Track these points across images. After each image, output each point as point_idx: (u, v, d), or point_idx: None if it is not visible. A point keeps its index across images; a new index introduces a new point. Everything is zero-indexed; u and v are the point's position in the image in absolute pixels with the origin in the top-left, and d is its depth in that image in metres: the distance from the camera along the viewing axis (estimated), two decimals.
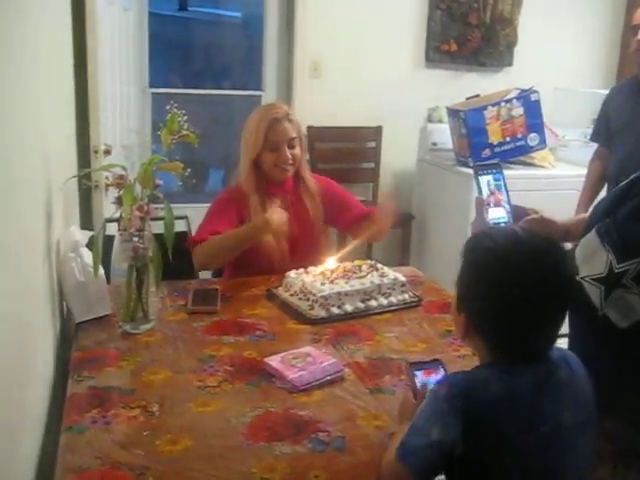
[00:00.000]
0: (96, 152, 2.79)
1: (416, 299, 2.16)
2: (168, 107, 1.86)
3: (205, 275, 2.61)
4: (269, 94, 4.32)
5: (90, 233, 2.13)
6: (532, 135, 3.78)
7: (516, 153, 3.80)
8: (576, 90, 4.29)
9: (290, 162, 2.34)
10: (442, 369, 1.43)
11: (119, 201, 1.80)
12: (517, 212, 1.64)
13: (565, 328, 1.49)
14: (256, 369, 1.67)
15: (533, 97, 3.76)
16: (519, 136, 3.76)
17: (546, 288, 1.16)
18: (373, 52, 4.23)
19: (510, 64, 4.55)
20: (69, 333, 1.94)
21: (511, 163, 3.82)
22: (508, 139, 3.74)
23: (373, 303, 2.07)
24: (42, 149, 1.72)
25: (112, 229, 1.98)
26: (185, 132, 1.86)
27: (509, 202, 1.64)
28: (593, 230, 1.37)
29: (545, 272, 1.16)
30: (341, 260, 2.23)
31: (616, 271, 1.31)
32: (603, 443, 1.39)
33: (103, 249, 1.84)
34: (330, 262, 2.21)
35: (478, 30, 4.44)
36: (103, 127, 2.90)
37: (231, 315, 2.00)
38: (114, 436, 1.38)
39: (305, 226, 2.39)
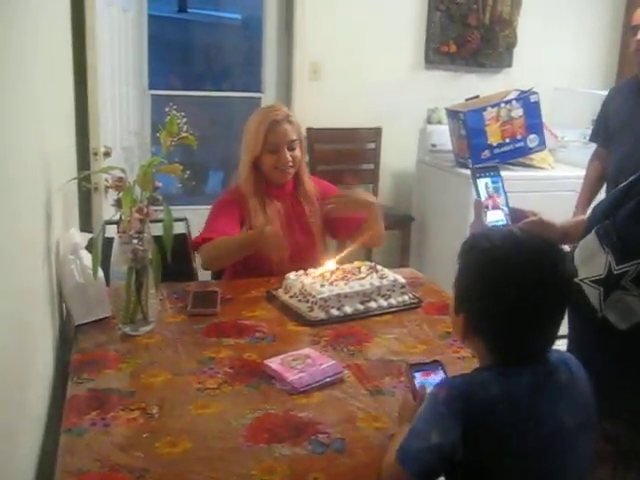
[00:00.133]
0: (96, 154, 2.79)
1: (416, 301, 2.15)
2: (167, 109, 1.86)
3: (205, 277, 2.62)
4: (269, 96, 4.32)
5: (90, 235, 2.13)
6: (531, 136, 3.78)
7: (515, 154, 3.80)
8: (575, 91, 4.29)
9: (290, 164, 2.34)
10: (441, 370, 1.43)
11: (118, 203, 1.80)
12: (515, 214, 1.64)
13: (564, 329, 1.49)
14: (256, 371, 1.67)
15: (532, 98, 3.77)
16: (518, 137, 3.76)
17: (545, 289, 1.16)
18: (372, 53, 4.23)
19: (509, 65, 4.56)
20: (69, 335, 1.94)
21: (510, 164, 3.82)
22: (507, 140, 3.74)
23: (373, 305, 2.07)
24: (41, 150, 1.72)
25: (112, 231, 1.98)
26: (184, 134, 1.86)
27: (507, 204, 1.64)
28: (592, 232, 1.37)
29: (543, 273, 1.16)
30: (340, 262, 2.23)
31: (615, 273, 1.31)
32: (603, 444, 1.39)
33: (103, 251, 1.84)
34: (330, 264, 2.21)
35: (477, 31, 4.44)
36: (103, 129, 2.90)
37: (231, 317, 2.00)
38: (113, 438, 1.38)
39: (304, 229, 2.40)
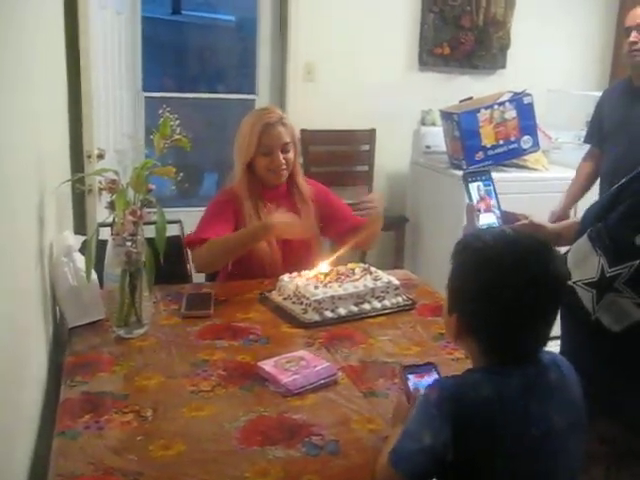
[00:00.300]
0: (89, 156, 2.78)
1: (410, 302, 2.16)
2: (160, 111, 1.86)
3: (199, 279, 2.62)
4: (262, 98, 4.32)
5: (83, 238, 2.13)
6: (525, 138, 3.79)
7: (509, 156, 3.82)
8: (569, 92, 4.31)
9: (283, 167, 2.34)
10: (435, 372, 1.43)
11: (112, 206, 1.80)
12: (507, 217, 1.64)
13: (557, 331, 1.50)
14: (250, 373, 1.67)
15: (526, 100, 3.78)
16: (512, 139, 3.77)
17: (537, 289, 1.16)
18: (366, 55, 4.24)
19: (503, 67, 4.57)
20: (62, 338, 1.94)
21: (504, 166, 3.84)
22: (501, 142, 3.76)
23: (367, 306, 2.07)
24: (35, 152, 1.71)
25: (106, 234, 1.98)
26: (177, 136, 1.86)
27: (499, 208, 1.64)
28: (585, 235, 1.37)
29: (536, 272, 1.16)
30: (334, 264, 2.23)
31: (608, 275, 1.31)
32: (597, 445, 1.40)
33: (96, 254, 1.83)
34: (323, 266, 2.21)
35: (471, 33, 4.45)
36: (96, 131, 2.89)
37: (225, 319, 2.00)
38: (107, 441, 1.38)
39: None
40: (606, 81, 4.66)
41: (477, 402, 1.15)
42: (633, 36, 2.90)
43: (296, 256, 2.34)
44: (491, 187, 1.65)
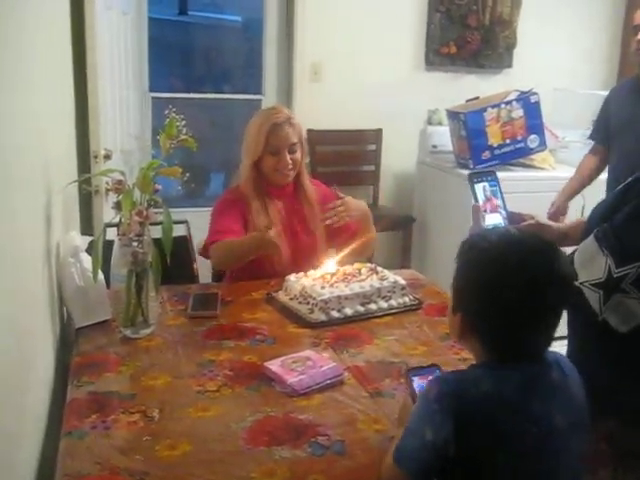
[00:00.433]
0: (96, 157, 2.79)
1: (416, 302, 2.15)
2: (167, 112, 1.86)
3: (206, 279, 2.62)
4: (269, 98, 4.32)
5: (90, 238, 2.13)
6: (532, 137, 3.78)
7: (516, 155, 3.81)
8: (576, 91, 4.29)
9: (290, 167, 2.34)
10: (439, 374, 1.43)
11: (118, 206, 1.80)
12: (513, 218, 1.64)
13: (564, 331, 1.49)
14: (256, 373, 1.67)
15: (533, 99, 3.77)
16: (519, 138, 3.76)
17: (540, 289, 1.16)
18: (373, 55, 4.24)
19: (510, 66, 4.56)
20: (69, 338, 1.94)
21: (511, 165, 3.83)
22: (508, 141, 3.75)
23: (373, 306, 2.07)
24: (41, 153, 1.72)
25: (112, 234, 1.98)
26: (184, 137, 1.86)
27: (505, 208, 1.64)
28: (591, 235, 1.37)
29: (538, 273, 1.16)
30: (341, 264, 2.23)
31: (615, 276, 1.30)
32: (603, 445, 1.39)
33: (103, 254, 1.84)
34: (330, 266, 2.21)
35: (477, 32, 4.44)
36: (103, 132, 2.90)
37: (231, 319, 2.00)
38: (114, 441, 1.38)
39: (305, 229, 2.40)
40: (613, 80, 4.64)
41: (478, 398, 1.15)
42: None
43: (304, 254, 2.35)
44: (497, 187, 1.64)
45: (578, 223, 1.63)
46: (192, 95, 5.02)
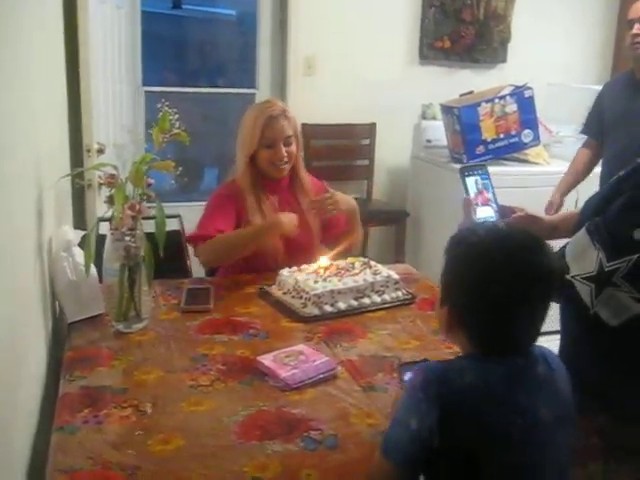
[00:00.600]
0: (89, 151, 2.78)
1: (409, 296, 2.15)
2: (159, 105, 1.86)
3: (199, 274, 2.62)
4: (263, 92, 4.31)
5: (83, 232, 2.12)
6: (526, 131, 3.78)
7: (510, 150, 3.81)
8: (570, 86, 4.29)
9: (285, 160, 2.34)
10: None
11: (110, 200, 1.80)
12: (504, 211, 1.64)
13: (556, 325, 1.49)
14: (249, 368, 1.67)
15: (527, 93, 3.77)
16: (513, 133, 3.76)
17: (526, 284, 1.16)
18: (367, 49, 4.23)
19: (504, 60, 4.56)
20: (62, 333, 1.94)
21: (505, 160, 3.83)
22: (502, 136, 3.75)
23: (366, 301, 2.07)
24: (33, 148, 1.71)
25: (105, 228, 1.97)
26: (176, 131, 1.86)
27: (496, 201, 1.64)
28: (583, 228, 1.37)
29: (524, 268, 1.16)
30: (334, 258, 2.23)
31: (606, 269, 1.31)
32: (594, 439, 1.40)
33: (96, 248, 1.83)
34: (323, 260, 2.21)
35: (472, 27, 4.44)
36: (96, 126, 2.89)
37: (224, 314, 2.00)
38: (106, 436, 1.38)
39: (301, 225, 2.39)
40: (607, 74, 4.64)
41: (463, 388, 1.16)
42: (636, 28, 2.89)
43: (298, 246, 2.34)
44: (488, 181, 1.65)
45: (570, 215, 1.63)
46: (185, 89, 5.01)
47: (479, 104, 3.71)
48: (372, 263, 2.22)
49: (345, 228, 2.43)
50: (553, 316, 1.42)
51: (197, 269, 2.68)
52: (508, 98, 3.75)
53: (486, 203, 1.62)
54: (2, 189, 1.28)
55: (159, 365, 1.68)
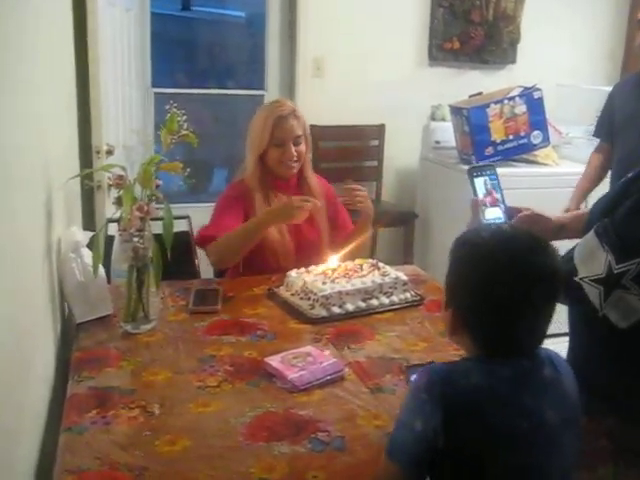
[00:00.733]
0: (98, 152, 2.79)
1: (418, 298, 2.15)
2: (167, 107, 1.86)
3: (207, 275, 2.62)
4: (272, 93, 4.31)
5: (92, 233, 2.13)
6: (535, 133, 3.77)
7: (519, 151, 3.79)
8: (579, 87, 4.27)
9: (295, 159, 2.36)
10: None
11: (119, 201, 1.80)
12: (511, 212, 1.63)
13: (565, 328, 1.49)
14: (256, 369, 1.67)
15: (536, 95, 3.75)
16: (522, 134, 3.75)
17: (529, 285, 1.16)
18: (375, 51, 4.22)
19: (513, 61, 4.54)
20: (70, 333, 1.94)
21: (514, 161, 3.82)
22: (511, 137, 3.73)
23: (374, 302, 2.07)
24: (41, 149, 1.71)
25: (114, 229, 1.98)
26: (185, 132, 1.86)
27: (504, 202, 1.64)
28: (592, 230, 1.36)
29: (527, 269, 1.16)
30: (343, 259, 2.23)
31: (615, 272, 1.30)
32: (603, 442, 1.39)
33: (105, 249, 1.84)
34: (332, 261, 2.21)
35: (481, 28, 4.43)
36: (105, 127, 2.89)
37: (232, 315, 2.00)
38: (113, 437, 1.38)
39: (309, 224, 2.41)
40: (617, 75, 4.61)
41: (467, 389, 1.15)
42: None
43: (307, 244, 2.36)
44: (496, 182, 1.64)
45: (581, 214, 1.62)
46: (194, 90, 5.00)
47: (488, 105, 3.70)
48: (380, 264, 2.21)
49: (352, 232, 2.44)
50: (562, 318, 1.41)
51: (206, 270, 2.69)
52: (517, 99, 3.74)
53: (495, 204, 1.61)
54: (11, 193, 1.29)
55: (167, 366, 1.68)
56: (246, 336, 1.87)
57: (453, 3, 4.34)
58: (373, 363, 1.74)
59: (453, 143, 3.94)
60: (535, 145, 3.80)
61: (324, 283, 2.05)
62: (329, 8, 4.13)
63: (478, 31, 4.42)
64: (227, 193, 2.44)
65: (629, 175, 1.42)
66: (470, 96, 3.88)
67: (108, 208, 2.71)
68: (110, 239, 1.99)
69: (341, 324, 1.96)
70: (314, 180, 2.48)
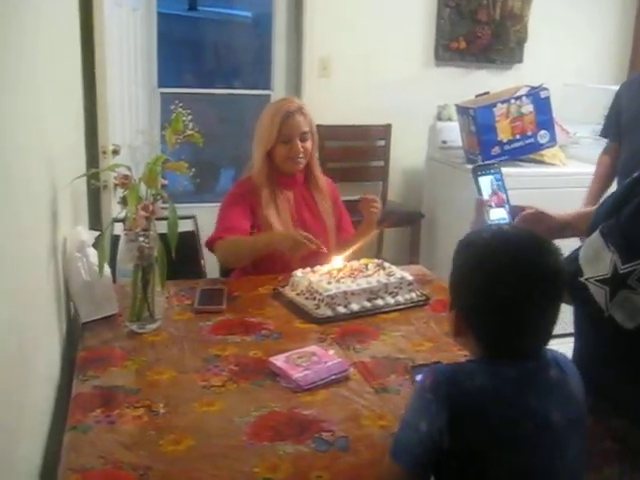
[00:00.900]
0: (104, 152, 2.80)
1: (423, 298, 2.15)
2: (173, 107, 1.86)
3: (213, 275, 2.62)
4: (278, 93, 4.31)
5: (98, 233, 2.14)
6: (542, 132, 3.75)
7: (526, 151, 3.78)
8: (587, 86, 4.26)
9: (301, 155, 2.38)
10: None
11: (124, 201, 1.81)
12: (515, 211, 1.63)
13: (571, 328, 1.48)
14: (261, 368, 1.67)
15: (543, 94, 3.74)
16: (529, 133, 3.73)
17: (531, 285, 1.15)
18: (382, 50, 4.22)
19: (520, 61, 4.53)
20: (76, 332, 1.95)
21: (521, 161, 3.80)
22: (518, 137, 3.72)
23: (380, 302, 2.06)
24: (44, 151, 1.71)
25: (120, 229, 1.98)
26: (190, 132, 1.86)
27: (509, 202, 1.63)
28: (597, 231, 1.35)
29: (528, 269, 1.16)
30: (348, 259, 2.23)
31: (621, 272, 1.29)
32: (610, 443, 1.38)
33: (110, 249, 1.84)
34: (337, 261, 2.20)
35: (488, 27, 4.41)
36: (112, 127, 2.91)
37: (237, 314, 2.00)
38: (118, 436, 1.38)
39: (316, 220, 2.42)
40: (624, 75, 4.59)
41: (472, 390, 1.15)
42: None
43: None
44: (502, 182, 1.63)
45: (585, 213, 1.61)
46: (201, 90, 5.01)
47: (495, 105, 3.69)
48: (386, 264, 2.21)
49: (352, 236, 2.46)
50: (567, 319, 1.40)
51: (211, 270, 2.69)
52: (524, 99, 3.73)
53: (500, 204, 1.60)
54: (12, 192, 1.29)
55: (172, 365, 1.68)
56: (251, 336, 1.87)
57: (460, 3, 4.33)
58: (378, 363, 1.73)
59: (459, 143, 3.93)
60: (542, 145, 3.79)
61: (329, 283, 2.04)
62: (335, 8, 4.13)
63: (485, 30, 4.41)
64: (234, 190, 2.46)
65: (634, 175, 1.41)
66: (477, 96, 3.87)
67: (114, 208, 2.72)
68: (116, 239, 1.99)
69: (346, 324, 1.96)
70: (322, 177, 2.51)
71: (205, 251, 2.61)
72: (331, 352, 1.75)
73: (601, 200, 1.54)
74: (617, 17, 4.65)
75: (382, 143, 4.35)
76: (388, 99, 4.19)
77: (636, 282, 1.28)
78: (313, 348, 1.74)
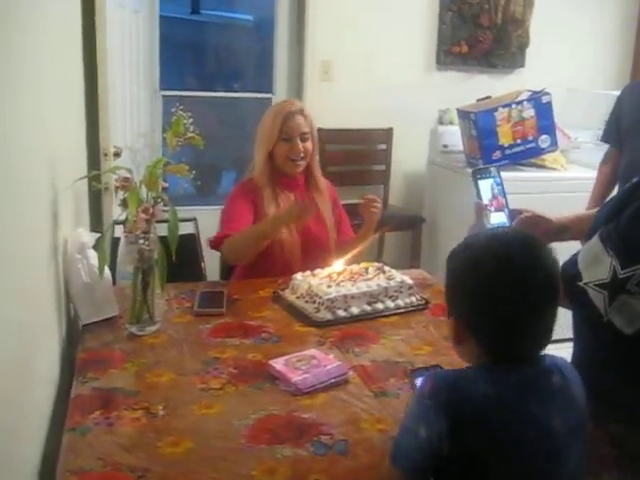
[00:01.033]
0: (106, 154, 2.80)
1: (423, 302, 2.14)
2: (174, 109, 1.87)
3: (214, 277, 2.63)
4: (279, 97, 4.31)
5: (98, 235, 2.14)
6: (543, 137, 3.75)
7: (527, 155, 3.78)
8: (588, 91, 4.26)
9: (301, 155, 2.39)
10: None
11: (124, 203, 1.81)
12: (513, 215, 1.63)
13: (569, 333, 1.48)
14: (260, 371, 1.67)
15: (544, 99, 3.74)
16: (530, 138, 3.73)
17: (526, 289, 1.15)
18: (384, 54, 4.22)
19: (522, 65, 4.53)
20: (75, 334, 1.95)
21: (522, 165, 3.80)
22: (519, 141, 3.72)
23: (380, 306, 2.06)
24: (47, 152, 1.72)
25: (121, 231, 1.98)
26: (191, 134, 1.86)
27: (507, 206, 1.63)
28: (596, 235, 1.35)
29: (523, 273, 1.16)
30: (348, 262, 2.23)
31: (620, 277, 1.29)
32: (609, 448, 1.38)
33: (111, 251, 1.84)
34: (337, 264, 2.20)
35: (489, 31, 4.42)
36: (113, 130, 2.91)
37: (237, 317, 2.00)
38: (116, 438, 1.38)
39: (316, 222, 2.43)
40: (626, 80, 4.59)
41: (475, 397, 1.15)
42: None
43: (314, 242, 2.39)
44: (501, 186, 1.63)
45: (584, 216, 1.61)
46: (202, 93, 5.03)
47: (496, 109, 3.69)
48: (386, 268, 2.21)
49: (351, 240, 2.47)
50: (566, 323, 1.40)
51: (211, 273, 2.69)
52: (525, 103, 3.73)
53: (500, 208, 1.60)
54: (14, 193, 1.29)
55: (171, 368, 1.68)
56: (250, 339, 1.87)
57: (462, 7, 4.33)
58: (377, 367, 1.73)
59: (461, 147, 3.93)
60: (543, 149, 3.79)
61: (329, 286, 2.04)
62: (338, 12, 4.13)
63: (487, 35, 4.41)
64: (236, 191, 2.47)
65: (634, 180, 1.41)
66: (478, 100, 3.87)
67: (115, 210, 2.72)
68: (116, 241, 1.99)
69: (346, 327, 1.96)
70: (322, 179, 2.53)
71: (205, 253, 2.62)
72: (331, 355, 1.75)
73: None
74: (619, 22, 4.65)
75: (383, 147, 4.35)
76: (389, 103, 4.19)
77: (635, 287, 1.28)
78: (313, 351, 1.74)
